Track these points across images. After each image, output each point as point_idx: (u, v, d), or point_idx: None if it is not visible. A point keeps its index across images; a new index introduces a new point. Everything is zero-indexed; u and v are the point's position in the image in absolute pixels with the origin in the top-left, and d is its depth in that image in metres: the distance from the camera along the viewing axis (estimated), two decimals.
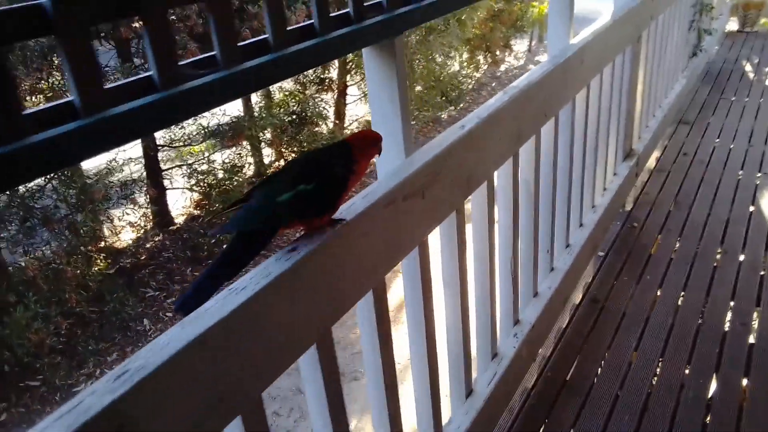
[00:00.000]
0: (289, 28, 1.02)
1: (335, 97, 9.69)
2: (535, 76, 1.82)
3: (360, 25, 1.17)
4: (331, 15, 1.13)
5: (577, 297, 2.68)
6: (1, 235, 5.53)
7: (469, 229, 1.78)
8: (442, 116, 11.85)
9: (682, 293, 2.65)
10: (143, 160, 6.81)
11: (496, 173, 1.76)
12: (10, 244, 5.52)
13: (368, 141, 1.13)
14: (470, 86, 13.60)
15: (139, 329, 5.81)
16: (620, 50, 2.78)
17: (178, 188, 7.24)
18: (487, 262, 1.79)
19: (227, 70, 0.94)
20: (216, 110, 7.09)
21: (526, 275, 2.20)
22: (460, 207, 1.53)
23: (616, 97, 2.92)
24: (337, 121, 9.40)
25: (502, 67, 15.24)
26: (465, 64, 14.12)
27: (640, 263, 2.87)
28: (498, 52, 15.52)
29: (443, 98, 11.92)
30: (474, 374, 1.92)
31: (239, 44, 0.97)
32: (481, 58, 14.91)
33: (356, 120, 10.69)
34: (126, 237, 6.74)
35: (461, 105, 12.36)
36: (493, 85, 13.98)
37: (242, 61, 0.96)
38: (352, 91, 10.77)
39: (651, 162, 3.83)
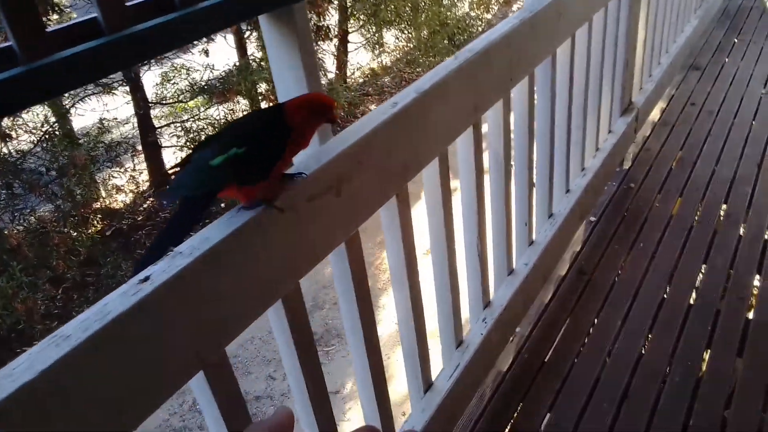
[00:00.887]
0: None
1: (336, 45, 9.34)
2: (495, 35, 1.58)
3: None
4: None
5: (563, 268, 2.50)
6: None
7: (423, 209, 1.60)
8: None
9: (677, 262, 2.45)
10: (135, 119, 6.64)
11: (455, 143, 1.56)
12: None
13: (308, 105, 0.96)
14: (480, 28, 13.05)
15: None
16: None
17: (174, 146, 7.08)
18: (444, 244, 1.61)
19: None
20: (208, 63, 6.85)
21: (498, 252, 2.02)
22: (401, 192, 1.34)
23: (610, 47, 2.64)
24: (338, 72, 9.09)
25: (515, 7, 14.59)
26: (474, 5, 13.54)
27: (634, 229, 2.66)
28: None
29: (450, 43, 11.47)
30: (437, 370, 1.78)
31: None
32: None
33: (359, 68, 10.34)
34: (122, 198, 6.64)
35: None
36: None
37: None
38: (354, 38, 10.39)
39: (655, 114, 3.55)
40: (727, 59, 4.26)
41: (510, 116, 1.82)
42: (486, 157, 1.75)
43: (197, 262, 0.89)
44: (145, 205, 6.71)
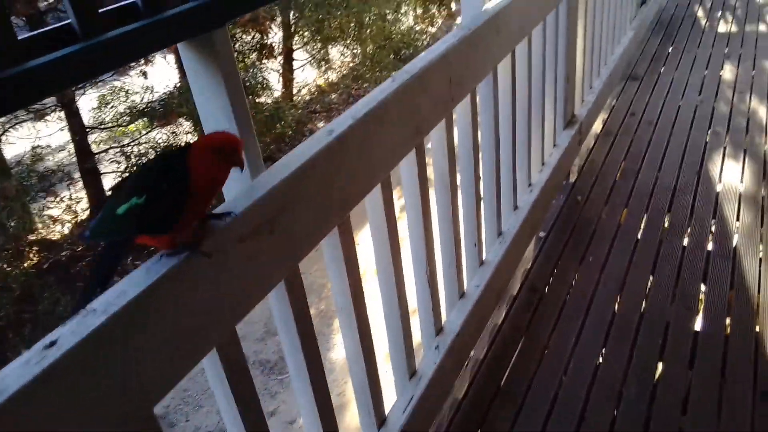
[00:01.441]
0: None
1: (281, 63, 9.24)
2: (434, 55, 1.54)
3: (153, 18, 0.88)
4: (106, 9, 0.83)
5: (515, 287, 2.47)
6: None
7: (368, 237, 1.53)
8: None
9: (626, 274, 2.46)
10: (71, 146, 6.37)
11: (396, 169, 1.50)
12: None
13: (210, 147, 0.87)
14: (425, 42, 13.18)
15: None
16: (551, 8, 2.50)
17: (114, 172, 6.82)
18: (391, 271, 1.55)
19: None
20: (147, 85, 6.65)
21: (448, 277, 1.97)
22: (342, 223, 1.27)
23: (551, 61, 2.65)
24: (284, 90, 8.97)
25: (458, 20, 14.80)
26: (419, 19, 13.68)
27: (583, 242, 2.66)
28: (453, 4, 15.09)
29: (396, 57, 11.53)
30: (392, 401, 1.70)
31: None
32: (435, 11, 14.48)
33: (306, 86, 10.27)
34: (59, 229, 6.33)
35: None
36: None
37: None
38: (299, 56, 10.31)
39: (597, 125, 3.60)
40: (663, 69, 4.37)
41: (453, 135, 1.77)
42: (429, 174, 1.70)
43: (113, 319, 0.80)
44: None
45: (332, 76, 11.21)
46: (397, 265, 1.56)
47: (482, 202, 2.13)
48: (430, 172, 1.73)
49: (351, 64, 11.35)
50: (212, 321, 0.95)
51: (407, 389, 1.71)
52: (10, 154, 5.98)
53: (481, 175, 2.06)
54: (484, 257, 2.18)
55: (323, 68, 11.08)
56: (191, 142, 0.93)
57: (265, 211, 1.02)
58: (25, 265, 5.68)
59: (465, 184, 1.99)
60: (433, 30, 13.82)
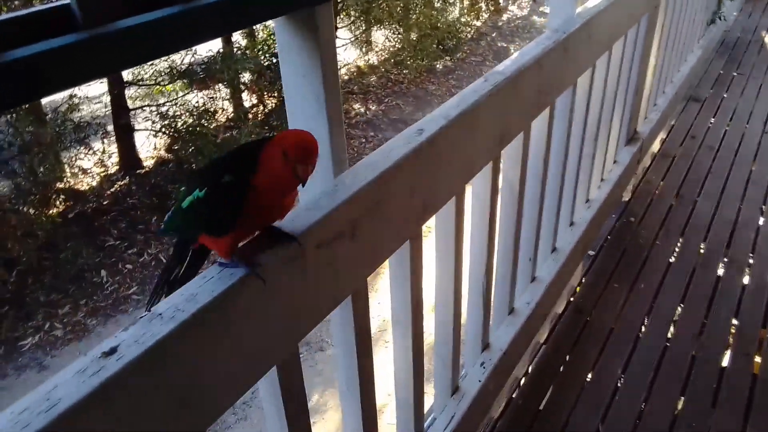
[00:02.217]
0: None
1: None
2: (527, 57, 1.41)
3: None
4: None
5: (560, 305, 2.35)
6: None
7: (431, 245, 1.42)
8: (437, 66, 11.27)
9: (680, 307, 2.32)
10: (108, 98, 6.31)
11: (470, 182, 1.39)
12: None
13: (279, 146, 0.74)
14: (469, 35, 12.95)
15: (95, 281, 5.46)
16: (635, 20, 2.35)
17: (147, 130, 6.77)
18: (452, 287, 1.44)
19: None
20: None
21: (500, 290, 1.85)
22: (414, 234, 1.16)
23: (624, 76, 2.50)
24: None
25: (505, 17, 14.53)
26: (465, 11, 13.44)
27: (634, 267, 2.53)
28: (501, 0, 14.81)
29: (439, 47, 11.33)
30: (431, 416, 1.60)
31: None
32: (483, 5, 14.21)
33: (345, 65, 10.12)
34: (88, 181, 6.30)
35: (458, 55, 11.77)
36: (494, 35, 13.33)
37: None
38: (342, 34, 10.16)
39: (655, 145, 3.44)
40: (726, 93, 4.18)
41: (529, 148, 1.65)
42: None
43: (181, 327, 0.70)
44: (112, 190, 6.39)
45: (373, 59, 11.04)
46: (458, 278, 1.45)
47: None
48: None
49: (393, 49, 11.18)
50: (278, 334, 0.85)
51: (449, 406, 1.61)
52: (46, 101, 5.93)
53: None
54: (536, 273, 2.06)
55: (364, 50, 10.91)
56: (269, 136, 0.82)
57: (349, 215, 0.91)
58: (52, 212, 5.66)
59: (530, 197, 1.86)
60: (478, 24, 13.57)
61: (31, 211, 5.36)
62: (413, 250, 1.15)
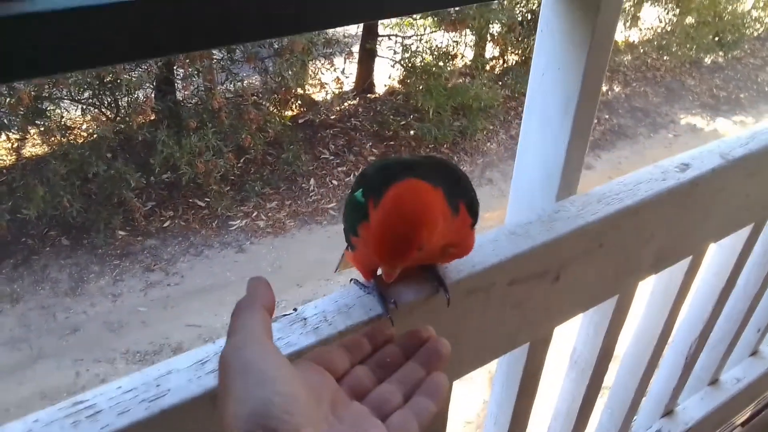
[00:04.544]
0: None
1: None
2: None
3: None
4: None
5: None
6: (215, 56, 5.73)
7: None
8: (705, 60, 9.95)
9: None
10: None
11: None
12: (217, 69, 5.72)
13: (376, 218, 0.55)
14: (756, 33, 11.18)
15: (304, 187, 5.88)
16: None
17: (388, 59, 6.95)
18: (651, 348, 1.22)
19: None
20: None
21: (708, 357, 1.56)
22: (627, 291, 0.96)
23: None
24: None
25: None
26: (761, 4, 11.56)
27: None
28: None
29: (715, 39, 9.95)
30: None
31: None
32: None
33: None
34: (322, 94, 6.70)
35: (734, 52, 10.25)
36: None
37: None
38: None
39: None
40: None
41: None
42: None
43: (320, 344, 0.62)
44: (341, 107, 6.74)
45: (634, 36, 10.07)
46: (663, 339, 1.23)
47: None
48: None
49: (660, 31, 10.07)
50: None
51: None
52: None
53: None
54: (760, 347, 1.71)
55: (629, 24, 9.97)
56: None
57: (562, 253, 0.76)
58: (285, 114, 6.15)
59: None
60: None
61: (271, 108, 5.86)
62: (617, 310, 0.97)
